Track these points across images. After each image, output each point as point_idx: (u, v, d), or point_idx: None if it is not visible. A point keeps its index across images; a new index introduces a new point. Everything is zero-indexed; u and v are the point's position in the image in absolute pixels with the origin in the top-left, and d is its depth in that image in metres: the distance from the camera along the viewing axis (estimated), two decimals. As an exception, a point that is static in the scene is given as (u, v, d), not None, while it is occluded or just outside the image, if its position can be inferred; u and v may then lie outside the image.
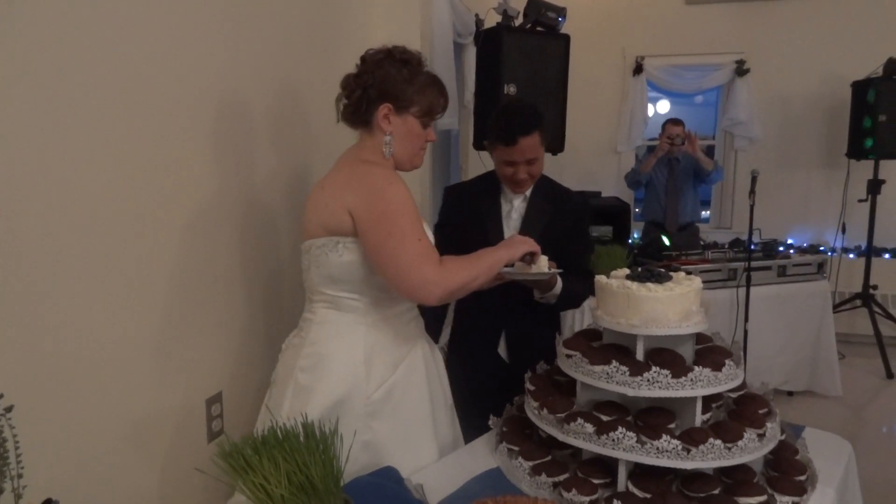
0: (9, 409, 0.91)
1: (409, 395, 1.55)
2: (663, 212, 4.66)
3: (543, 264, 1.78)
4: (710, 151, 5.56)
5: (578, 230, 2.12)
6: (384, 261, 1.42)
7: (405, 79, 1.51)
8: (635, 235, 5.09)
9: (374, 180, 1.45)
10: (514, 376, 1.98)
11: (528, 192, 2.06)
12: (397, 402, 1.53)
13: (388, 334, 1.54)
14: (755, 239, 3.83)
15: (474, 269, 1.50)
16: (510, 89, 3.17)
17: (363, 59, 1.55)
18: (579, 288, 2.03)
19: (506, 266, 1.69)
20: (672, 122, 4.68)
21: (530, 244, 1.61)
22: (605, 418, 1.34)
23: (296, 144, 2.10)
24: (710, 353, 1.43)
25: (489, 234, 2.00)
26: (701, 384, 1.31)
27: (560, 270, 1.83)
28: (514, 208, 2.06)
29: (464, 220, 2.06)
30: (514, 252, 1.58)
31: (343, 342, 1.51)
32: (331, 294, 1.52)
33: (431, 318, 1.95)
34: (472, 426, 1.73)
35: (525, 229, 2.02)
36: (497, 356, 2.09)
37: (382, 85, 1.50)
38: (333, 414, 1.43)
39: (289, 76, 2.05)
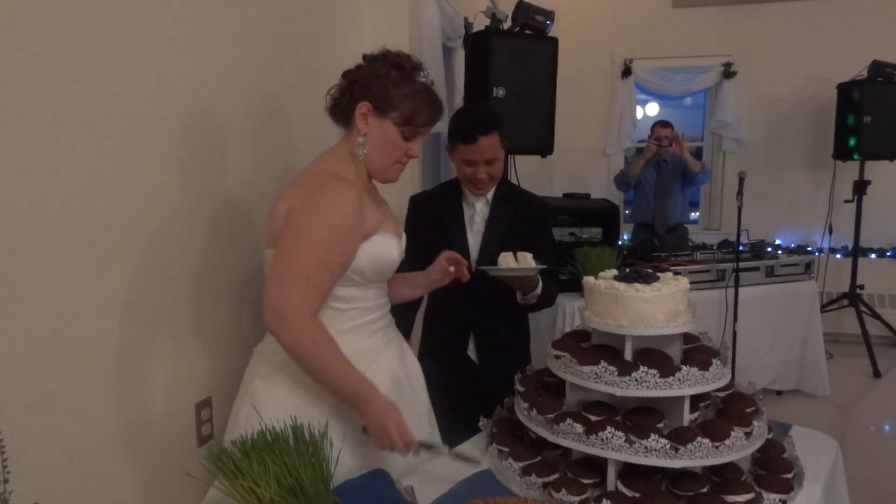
0: (-5, 415, 0.91)
1: None
2: (652, 213, 4.69)
3: (528, 261, 1.81)
4: (697, 153, 5.59)
5: (541, 231, 2.15)
6: (273, 262, 1.37)
7: (392, 81, 1.45)
8: (625, 237, 5.12)
9: (322, 193, 1.37)
10: (484, 378, 2.01)
11: (489, 196, 2.08)
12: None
13: (350, 345, 1.41)
14: (743, 240, 3.86)
15: (329, 359, 1.33)
16: (499, 92, 3.18)
17: (363, 57, 1.51)
18: (553, 287, 2.09)
19: (486, 265, 1.70)
20: (661, 123, 4.72)
21: (393, 427, 1.34)
22: (594, 418, 1.35)
23: (279, 149, 2.09)
24: (697, 352, 1.43)
25: (452, 240, 2.03)
26: (688, 384, 1.32)
27: (544, 266, 1.86)
28: (476, 212, 2.08)
29: (427, 227, 2.07)
30: (372, 408, 1.34)
31: None
32: None
33: (404, 308, 1.91)
34: (446, 428, 1.72)
35: (488, 232, 2.05)
36: (467, 358, 2.10)
37: (367, 81, 1.45)
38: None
39: (274, 80, 2.05)
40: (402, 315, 1.78)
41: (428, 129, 1.53)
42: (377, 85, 1.45)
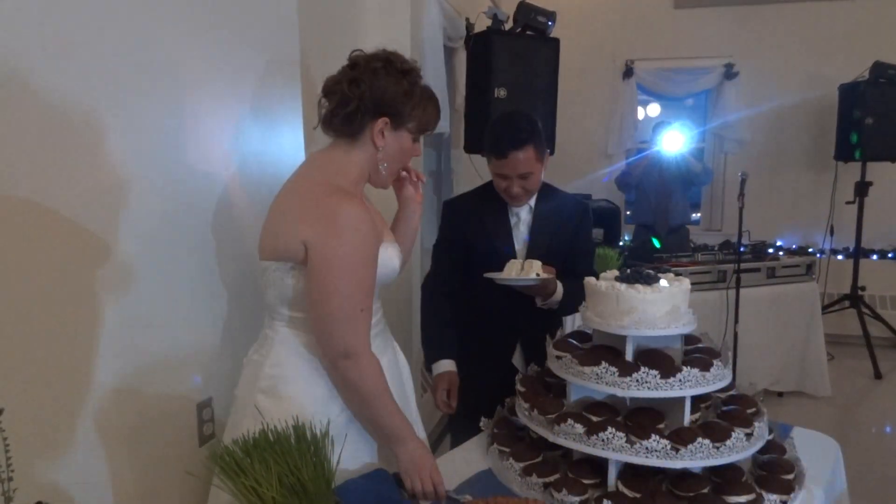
0: (-1, 413, 0.91)
1: None
2: (653, 214, 4.68)
3: (536, 269, 1.80)
4: (699, 154, 5.59)
5: (583, 235, 2.11)
6: (320, 303, 1.37)
7: (405, 91, 1.41)
8: (626, 238, 5.12)
9: (343, 222, 1.35)
10: None
11: (532, 203, 2.03)
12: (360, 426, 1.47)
13: None
14: (744, 241, 3.86)
15: (383, 395, 1.39)
16: (500, 93, 3.19)
17: (355, 62, 1.44)
18: (583, 291, 2.03)
19: (492, 273, 1.72)
20: (664, 125, 4.71)
21: (427, 473, 1.40)
22: (594, 419, 1.36)
23: (287, 146, 2.09)
24: (698, 353, 1.44)
25: (498, 248, 1.98)
26: (689, 384, 1.32)
27: (550, 276, 1.83)
28: (521, 220, 2.03)
29: (469, 234, 2.01)
30: (409, 448, 1.41)
31: (304, 364, 1.44)
32: (289, 314, 1.45)
33: (440, 326, 1.96)
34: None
35: (534, 240, 2.01)
36: (510, 367, 2.04)
37: (381, 97, 1.40)
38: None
39: (275, 82, 2.05)
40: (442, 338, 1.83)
41: (433, 130, 1.54)
42: (392, 99, 1.41)
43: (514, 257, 1.96)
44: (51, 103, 1.23)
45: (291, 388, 1.43)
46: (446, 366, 1.91)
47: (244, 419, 1.44)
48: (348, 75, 1.42)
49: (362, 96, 1.39)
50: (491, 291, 1.92)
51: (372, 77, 1.40)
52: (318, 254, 1.34)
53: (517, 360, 2.06)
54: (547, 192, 2.07)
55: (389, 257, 1.49)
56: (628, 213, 5.25)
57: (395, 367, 1.60)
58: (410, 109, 1.43)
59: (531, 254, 1.99)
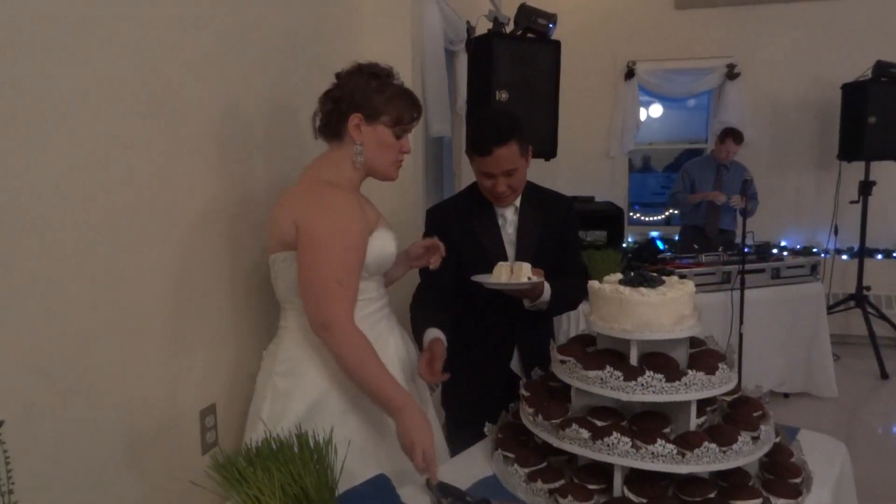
0: (-1, 424, 0.91)
1: None
2: (705, 216, 4.68)
3: (526, 272, 1.77)
4: (698, 154, 5.59)
5: (569, 232, 2.10)
6: (302, 276, 1.51)
7: (374, 89, 1.57)
8: (630, 240, 5.11)
9: (328, 201, 1.52)
10: None
11: (517, 203, 2.00)
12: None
13: None
14: (748, 242, 3.84)
15: (369, 362, 1.47)
16: (502, 96, 3.18)
17: (337, 76, 1.62)
18: (574, 290, 1.99)
19: (480, 275, 1.76)
20: (729, 132, 4.70)
21: (419, 446, 1.42)
22: (599, 424, 1.34)
23: (290, 155, 2.09)
24: (703, 356, 1.43)
25: (488, 250, 1.95)
26: (695, 388, 1.31)
27: (538, 280, 1.80)
28: (507, 221, 2.00)
29: (457, 239, 1.95)
30: (404, 417, 1.45)
31: (316, 347, 1.55)
32: (298, 302, 1.56)
33: (425, 311, 1.88)
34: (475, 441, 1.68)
35: (521, 241, 1.99)
36: (510, 373, 2.01)
37: (352, 96, 1.57)
38: (310, 416, 1.51)
39: (283, 88, 2.05)
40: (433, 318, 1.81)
41: (415, 124, 1.66)
42: (361, 96, 1.57)
43: (504, 258, 1.93)
44: (52, 100, 1.22)
45: (306, 367, 1.57)
46: (431, 334, 1.78)
47: (264, 403, 1.58)
48: (330, 86, 1.63)
49: (336, 99, 1.58)
50: (483, 297, 1.90)
51: (345, 81, 1.59)
52: (303, 230, 1.50)
53: (515, 365, 2.03)
54: (531, 190, 2.04)
55: (386, 242, 1.63)
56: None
57: (404, 349, 1.72)
58: (381, 104, 1.57)
59: (520, 254, 1.96)
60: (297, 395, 1.55)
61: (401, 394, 1.48)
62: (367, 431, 1.58)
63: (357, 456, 1.49)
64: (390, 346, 1.67)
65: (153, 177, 1.50)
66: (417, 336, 1.82)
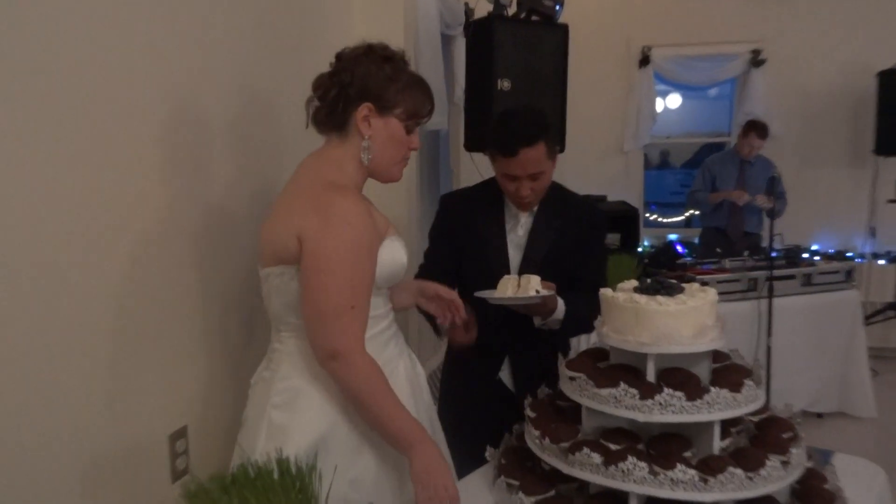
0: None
1: None
2: (728, 217, 4.65)
3: (535, 285, 1.76)
4: (720, 149, 5.60)
5: (591, 243, 2.06)
6: (308, 301, 1.43)
7: (388, 76, 1.49)
8: (646, 243, 5.12)
9: (337, 211, 1.43)
10: (519, 407, 1.93)
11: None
12: None
13: None
14: (777, 245, 3.85)
15: (382, 395, 1.42)
16: (504, 84, 3.19)
17: (339, 56, 1.53)
18: (590, 310, 1.98)
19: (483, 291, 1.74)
20: (752, 125, 4.65)
21: (441, 483, 1.40)
22: (613, 447, 1.34)
23: (263, 150, 2.08)
24: (727, 372, 1.43)
25: (489, 254, 1.96)
26: (718, 407, 1.31)
27: (549, 293, 1.79)
28: (519, 223, 2.00)
29: (461, 234, 1.98)
30: (421, 453, 1.41)
31: (318, 374, 1.48)
32: (297, 322, 1.50)
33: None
34: (468, 460, 1.70)
35: (531, 247, 1.98)
36: (499, 384, 2.03)
37: (363, 82, 1.48)
38: (314, 454, 1.41)
39: (256, 76, 2.04)
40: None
41: (429, 118, 1.60)
42: (375, 83, 1.48)
43: (506, 262, 1.94)
44: (54, 102, 1.22)
45: (306, 401, 1.49)
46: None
47: (258, 441, 1.49)
48: (332, 68, 1.53)
49: (343, 83, 1.48)
50: (476, 300, 1.89)
51: (353, 65, 1.49)
52: (308, 248, 1.42)
53: (504, 375, 2.04)
54: (552, 193, 2.02)
55: (394, 252, 1.56)
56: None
57: (412, 374, 1.67)
58: (395, 94, 1.50)
59: (527, 260, 1.96)
60: (298, 429, 1.47)
61: (416, 429, 1.44)
62: (385, 465, 1.53)
63: (372, 490, 1.48)
64: (400, 371, 1.61)
65: (84, 189, 1.42)
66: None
